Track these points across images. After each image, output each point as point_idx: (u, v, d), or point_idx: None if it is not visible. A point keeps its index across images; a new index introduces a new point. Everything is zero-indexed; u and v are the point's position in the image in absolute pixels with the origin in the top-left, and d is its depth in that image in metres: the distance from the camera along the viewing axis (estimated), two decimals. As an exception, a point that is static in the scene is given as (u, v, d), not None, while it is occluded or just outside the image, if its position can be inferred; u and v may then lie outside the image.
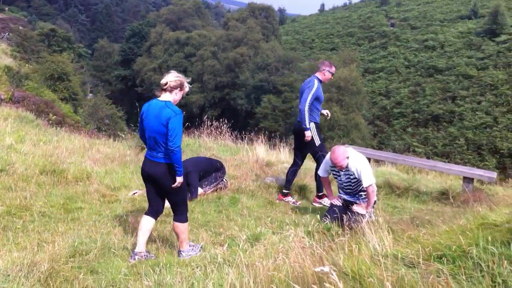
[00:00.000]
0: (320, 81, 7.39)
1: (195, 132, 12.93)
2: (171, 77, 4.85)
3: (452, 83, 48.89)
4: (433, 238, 3.82)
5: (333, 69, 7.52)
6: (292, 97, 45.22)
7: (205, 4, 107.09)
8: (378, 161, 11.17)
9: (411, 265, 3.35)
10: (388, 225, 4.48)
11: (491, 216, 4.00)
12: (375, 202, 6.33)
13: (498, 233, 3.52)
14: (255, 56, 53.60)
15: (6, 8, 74.90)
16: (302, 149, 7.60)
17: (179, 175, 4.82)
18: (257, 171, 9.29)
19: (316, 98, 7.25)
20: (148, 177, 5.02)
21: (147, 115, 4.85)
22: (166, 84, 4.82)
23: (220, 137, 12.53)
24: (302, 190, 8.34)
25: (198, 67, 56.30)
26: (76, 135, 12.84)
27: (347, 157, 6.06)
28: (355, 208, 6.13)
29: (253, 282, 3.30)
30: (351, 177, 6.21)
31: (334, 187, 6.95)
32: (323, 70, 7.41)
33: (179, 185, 4.89)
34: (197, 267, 4.42)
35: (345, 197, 6.48)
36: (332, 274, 2.72)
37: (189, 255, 5.01)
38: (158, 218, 5.42)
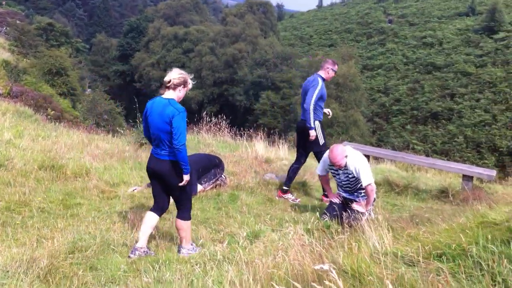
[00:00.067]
0: (323, 79, 7.38)
1: (194, 128, 12.92)
2: (175, 75, 4.85)
3: (450, 80, 48.86)
4: (432, 236, 3.82)
5: (336, 67, 7.52)
6: (291, 94, 45.20)
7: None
8: (377, 159, 11.16)
9: (410, 264, 3.36)
10: (387, 223, 4.48)
11: (491, 215, 4.00)
12: (374, 200, 6.33)
13: (497, 231, 3.52)
14: (253, 52, 53.57)
15: (4, 2, 74.53)
16: (305, 147, 7.59)
17: (186, 173, 4.84)
18: (256, 168, 9.28)
19: (320, 97, 7.25)
20: (153, 174, 5.04)
21: (151, 113, 4.87)
22: (169, 81, 4.82)
23: (219, 134, 12.52)
24: (302, 187, 8.33)
25: (196, 63, 56.22)
26: (74, 130, 12.82)
27: (346, 156, 6.06)
28: (355, 206, 6.13)
29: (252, 280, 3.30)
30: (350, 176, 6.21)
31: (333, 185, 6.95)
32: (327, 68, 7.39)
33: (186, 182, 4.91)
34: (196, 264, 4.43)
35: (344, 195, 6.48)
36: (331, 272, 2.72)
37: (189, 253, 5.01)
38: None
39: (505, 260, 2.98)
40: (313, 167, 8.51)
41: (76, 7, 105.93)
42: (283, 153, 10.74)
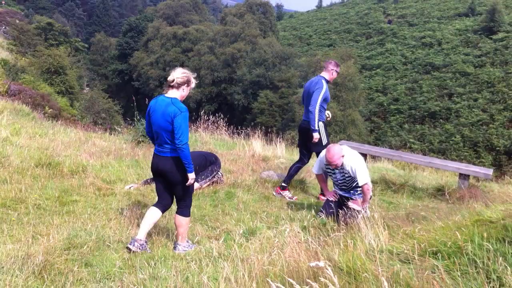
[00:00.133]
0: (327, 81, 7.40)
1: (192, 126, 12.92)
2: (178, 74, 4.87)
3: (449, 80, 48.91)
4: (428, 234, 3.81)
5: (339, 69, 7.61)
6: (289, 93, 45.22)
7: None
8: (374, 157, 11.17)
9: (406, 261, 3.35)
10: (383, 220, 4.48)
11: (487, 213, 3.99)
12: (370, 198, 6.33)
13: (493, 229, 3.51)
14: (252, 51, 53.57)
15: (3, 2, 74.44)
16: (308, 147, 7.60)
17: (190, 171, 4.87)
18: (253, 166, 9.29)
19: (324, 99, 7.30)
20: (156, 171, 5.08)
21: (154, 111, 4.90)
22: (173, 80, 4.84)
23: (216, 132, 12.53)
24: (299, 185, 8.33)
25: (195, 62, 56.25)
26: (72, 128, 12.81)
27: (342, 156, 6.05)
28: (351, 205, 6.12)
29: (248, 277, 3.29)
30: (346, 175, 6.22)
31: (330, 182, 6.95)
32: (331, 70, 7.43)
33: (193, 181, 4.94)
34: (192, 261, 4.42)
35: (340, 192, 6.49)
36: (327, 269, 2.72)
37: (185, 249, 5.01)
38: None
39: (500, 258, 2.97)
40: (310, 166, 8.51)
41: (76, 7, 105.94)
42: (280, 152, 10.75)
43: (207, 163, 7.83)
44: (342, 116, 36.82)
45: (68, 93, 30.49)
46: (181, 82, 4.85)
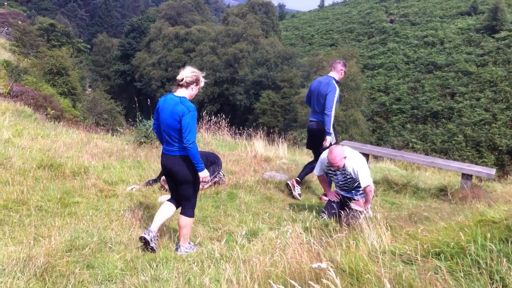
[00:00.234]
0: (337, 82, 7.40)
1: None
2: (187, 73, 4.88)
3: (451, 79, 48.77)
4: (431, 234, 3.80)
5: (346, 69, 7.71)
6: (291, 93, 45.17)
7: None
8: (376, 157, 11.15)
9: (408, 262, 3.34)
10: (386, 221, 4.47)
11: (490, 213, 3.97)
12: (372, 198, 6.31)
13: (496, 230, 3.49)
14: (254, 51, 53.56)
15: (6, 3, 74.67)
16: (319, 147, 7.58)
17: (201, 170, 4.90)
18: (255, 167, 9.27)
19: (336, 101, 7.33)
20: (165, 170, 5.12)
21: (162, 110, 4.91)
22: (182, 79, 4.85)
23: (218, 132, 12.52)
24: (302, 185, 8.30)
25: (197, 63, 56.19)
26: (74, 129, 12.82)
27: (345, 157, 6.03)
28: (353, 206, 6.10)
29: (250, 278, 3.28)
30: (347, 176, 6.19)
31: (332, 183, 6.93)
32: (341, 70, 7.50)
33: (206, 179, 4.98)
34: (194, 262, 4.41)
35: (342, 193, 6.47)
36: (329, 270, 2.70)
37: (187, 251, 5.01)
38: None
39: (504, 258, 2.96)
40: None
41: (78, 8, 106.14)
42: (283, 152, 10.72)
43: (208, 163, 7.81)
44: (344, 116, 36.77)
45: (71, 94, 30.55)
46: (190, 81, 4.86)
